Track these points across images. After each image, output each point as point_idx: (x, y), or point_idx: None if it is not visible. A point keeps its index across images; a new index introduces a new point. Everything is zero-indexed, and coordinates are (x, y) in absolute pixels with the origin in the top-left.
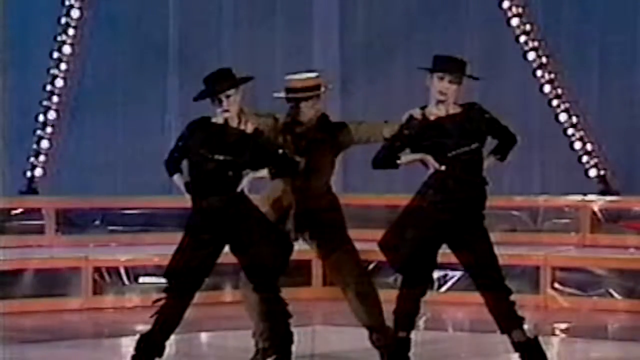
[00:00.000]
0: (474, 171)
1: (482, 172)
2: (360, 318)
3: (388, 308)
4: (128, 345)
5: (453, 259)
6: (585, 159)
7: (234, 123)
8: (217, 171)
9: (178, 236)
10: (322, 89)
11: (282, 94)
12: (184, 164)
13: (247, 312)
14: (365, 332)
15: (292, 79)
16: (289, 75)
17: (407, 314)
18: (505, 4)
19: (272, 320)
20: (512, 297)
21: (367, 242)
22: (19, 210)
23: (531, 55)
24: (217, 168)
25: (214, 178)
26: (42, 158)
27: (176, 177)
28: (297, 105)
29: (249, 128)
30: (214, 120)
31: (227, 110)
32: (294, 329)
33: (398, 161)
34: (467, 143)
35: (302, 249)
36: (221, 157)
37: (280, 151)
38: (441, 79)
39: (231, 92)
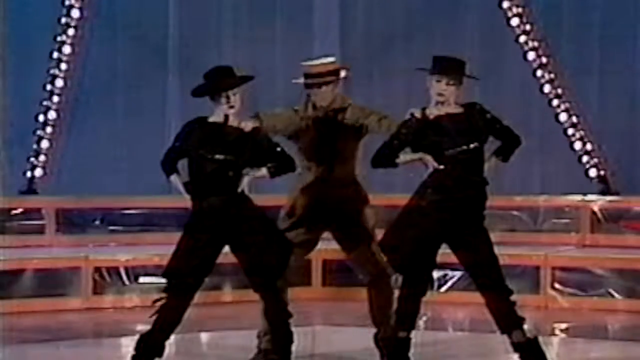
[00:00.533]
0: (473, 170)
1: (483, 172)
2: (371, 315)
3: None
4: (128, 345)
5: (453, 259)
6: (585, 159)
7: (234, 122)
8: (217, 171)
9: (178, 236)
10: (342, 73)
11: (301, 80)
12: (183, 164)
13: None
14: (364, 332)
15: (311, 65)
16: (307, 62)
17: (408, 314)
18: (505, 4)
19: (272, 320)
20: (512, 297)
21: None
22: (19, 210)
23: (531, 55)
24: (218, 168)
25: (215, 178)
26: (42, 158)
27: (173, 177)
28: (316, 91)
29: (248, 126)
30: (211, 119)
31: (233, 107)
32: (294, 329)
33: (397, 160)
34: (466, 142)
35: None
36: (221, 157)
37: (279, 149)
38: (439, 80)
39: (236, 89)
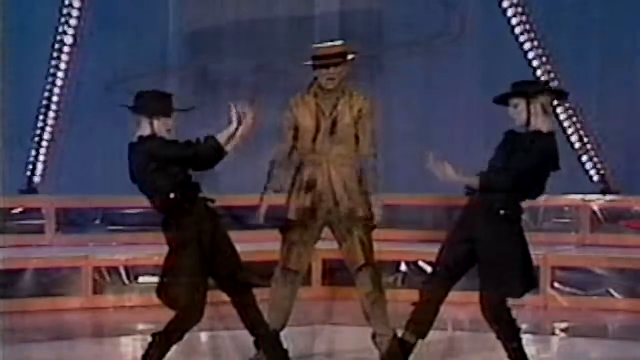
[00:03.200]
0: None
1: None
2: (365, 316)
3: (389, 307)
4: (128, 345)
5: None
6: (585, 159)
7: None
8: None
9: None
10: (350, 56)
11: (310, 63)
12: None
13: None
14: (364, 332)
15: (320, 47)
16: (316, 44)
17: (422, 321)
18: (505, 4)
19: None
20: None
21: None
22: (19, 210)
23: (531, 55)
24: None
25: (183, 187)
26: (42, 158)
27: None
28: (324, 72)
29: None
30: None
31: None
32: (294, 329)
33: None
34: None
35: None
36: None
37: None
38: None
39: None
